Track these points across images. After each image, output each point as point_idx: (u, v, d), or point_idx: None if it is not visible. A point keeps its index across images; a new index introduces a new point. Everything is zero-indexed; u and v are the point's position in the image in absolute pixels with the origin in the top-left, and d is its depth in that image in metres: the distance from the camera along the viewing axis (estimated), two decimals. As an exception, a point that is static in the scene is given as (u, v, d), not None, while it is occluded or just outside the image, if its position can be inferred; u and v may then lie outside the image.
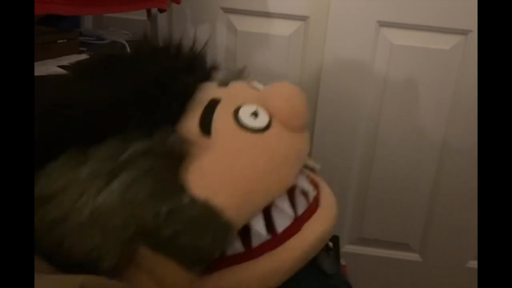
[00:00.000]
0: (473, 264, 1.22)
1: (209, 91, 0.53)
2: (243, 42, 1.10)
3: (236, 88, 0.56)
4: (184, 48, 0.58)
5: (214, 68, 0.61)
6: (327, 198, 0.57)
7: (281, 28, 1.08)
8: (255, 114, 0.50)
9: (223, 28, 1.10)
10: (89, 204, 0.41)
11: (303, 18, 1.07)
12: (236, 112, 0.50)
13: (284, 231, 0.51)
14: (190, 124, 0.49)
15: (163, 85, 0.49)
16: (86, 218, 0.41)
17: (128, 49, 0.85)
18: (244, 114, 0.49)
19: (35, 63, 0.63)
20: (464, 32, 1.03)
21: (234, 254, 0.48)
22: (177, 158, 0.45)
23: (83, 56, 0.71)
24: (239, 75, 0.63)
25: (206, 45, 0.59)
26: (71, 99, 0.47)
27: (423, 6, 1.02)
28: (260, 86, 0.56)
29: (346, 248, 1.24)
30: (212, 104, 0.51)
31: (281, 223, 0.51)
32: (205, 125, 0.49)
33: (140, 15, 1.02)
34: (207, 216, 0.43)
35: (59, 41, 0.69)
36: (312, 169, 0.59)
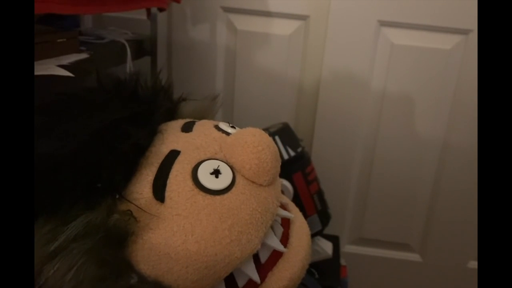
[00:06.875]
0: (474, 264, 1.22)
1: (168, 139, 0.48)
2: (243, 41, 1.10)
3: (200, 134, 0.49)
4: (142, 88, 0.52)
5: (181, 101, 0.57)
6: (298, 234, 0.51)
7: (281, 28, 1.08)
8: (216, 172, 0.44)
9: (223, 27, 1.10)
10: None
11: (303, 18, 1.07)
12: (195, 170, 0.44)
13: (245, 286, 0.47)
14: (143, 186, 0.44)
15: (107, 146, 0.43)
16: None
17: (128, 51, 0.85)
18: (204, 173, 0.44)
19: (35, 63, 0.63)
20: (464, 32, 1.03)
21: None
22: (121, 235, 0.41)
23: (83, 55, 0.71)
24: (210, 105, 0.58)
25: (170, 78, 0.53)
26: None
27: (423, 5, 1.02)
28: (228, 129, 0.51)
29: (346, 248, 1.24)
30: (169, 160, 0.45)
31: (242, 278, 0.47)
32: (159, 190, 0.43)
33: (140, 14, 1.02)
34: None
35: (58, 41, 0.69)
36: (286, 220, 0.52)
